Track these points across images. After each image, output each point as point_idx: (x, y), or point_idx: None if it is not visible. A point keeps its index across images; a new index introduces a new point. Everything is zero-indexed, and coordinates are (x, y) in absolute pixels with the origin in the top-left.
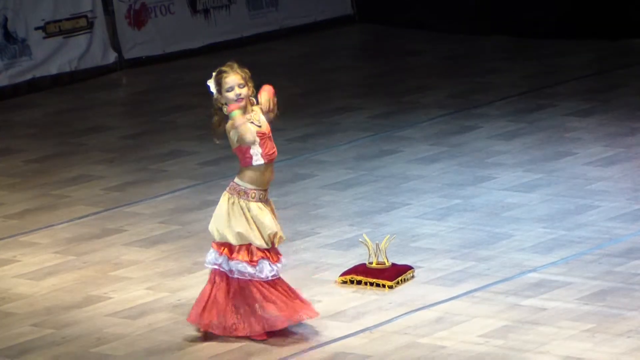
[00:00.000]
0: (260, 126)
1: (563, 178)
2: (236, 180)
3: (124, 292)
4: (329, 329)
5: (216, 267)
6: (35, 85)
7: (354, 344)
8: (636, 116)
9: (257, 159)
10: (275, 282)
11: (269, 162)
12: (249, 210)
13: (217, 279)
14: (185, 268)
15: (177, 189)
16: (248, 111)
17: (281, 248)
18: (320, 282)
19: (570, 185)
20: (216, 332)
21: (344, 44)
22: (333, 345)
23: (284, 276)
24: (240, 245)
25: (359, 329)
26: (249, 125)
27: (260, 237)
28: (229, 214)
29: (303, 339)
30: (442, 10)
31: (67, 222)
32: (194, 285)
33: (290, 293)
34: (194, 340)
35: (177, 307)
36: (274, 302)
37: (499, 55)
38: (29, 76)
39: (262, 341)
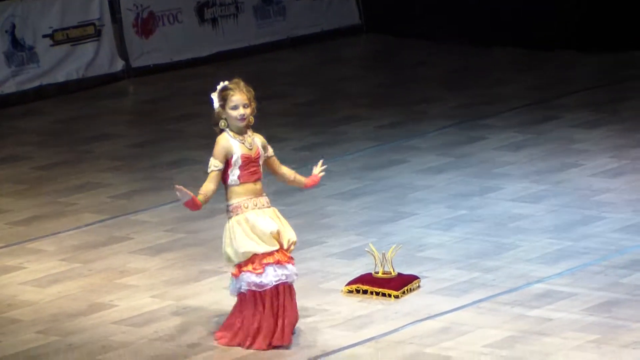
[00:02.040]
0: (250, 149)
1: (569, 189)
2: (226, 203)
3: (129, 300)
4: (335, 338)
5: (242, 291)
6: (42, 93)
7: (359, 353)
8: None
9: (233, 180)
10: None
11: (245, 183)
12: (246, 222)
13: (245, 302)
14: (191, 276)
15: None
16: (244, 132)
17: None
18: (326, 292)
19: (576, 196)
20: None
21: (352, 53)
22: (339, 354)
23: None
24: (246, 260)
25: (364, 339)
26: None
27: (261, 242)
28: (229, 236)
29: (309, 347)
30: (449, 22)
31: (74, 229)
32: (199, 293)
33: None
34: (200, 348)
35: (183, 315)
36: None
37: (505, 67)
38: (36, 83)
39: (268, 349)
